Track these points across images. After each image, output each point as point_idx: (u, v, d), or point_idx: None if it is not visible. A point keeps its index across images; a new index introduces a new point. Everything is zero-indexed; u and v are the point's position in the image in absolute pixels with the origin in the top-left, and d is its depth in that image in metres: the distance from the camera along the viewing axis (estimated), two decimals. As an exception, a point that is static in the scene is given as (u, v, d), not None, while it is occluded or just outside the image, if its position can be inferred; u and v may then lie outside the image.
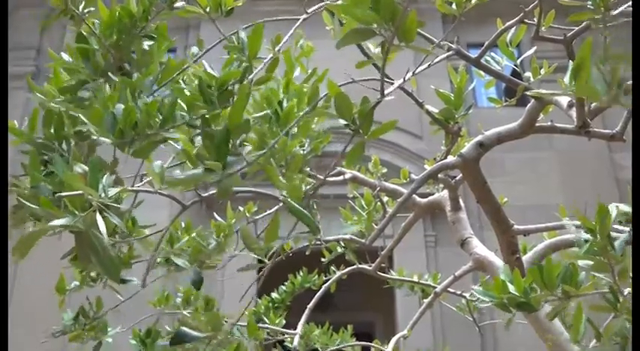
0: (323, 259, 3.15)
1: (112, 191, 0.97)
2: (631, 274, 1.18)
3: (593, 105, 1.67)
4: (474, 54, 1.87)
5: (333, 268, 3.29)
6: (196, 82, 1.14)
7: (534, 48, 2.04)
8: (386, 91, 1.38)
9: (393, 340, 2.69)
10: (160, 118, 1.06)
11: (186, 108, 1.11)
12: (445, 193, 2.69)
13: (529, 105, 1.91)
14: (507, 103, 2.16)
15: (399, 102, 2.38)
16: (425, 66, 1.53)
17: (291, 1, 8.08)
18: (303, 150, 1.32)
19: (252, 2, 9.44)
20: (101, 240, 0.94)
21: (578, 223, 1.24)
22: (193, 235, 2.09)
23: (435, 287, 2.98)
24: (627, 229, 1.24)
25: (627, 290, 1.25)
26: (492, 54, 1.96)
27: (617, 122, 1.67)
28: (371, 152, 3.21)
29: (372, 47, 1.74)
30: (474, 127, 2.94)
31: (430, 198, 2.84)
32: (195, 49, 1.32)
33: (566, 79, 1.16)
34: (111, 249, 0.98)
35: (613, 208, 1.19)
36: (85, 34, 1.25)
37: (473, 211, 4.71)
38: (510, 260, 2.09)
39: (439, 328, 8.55)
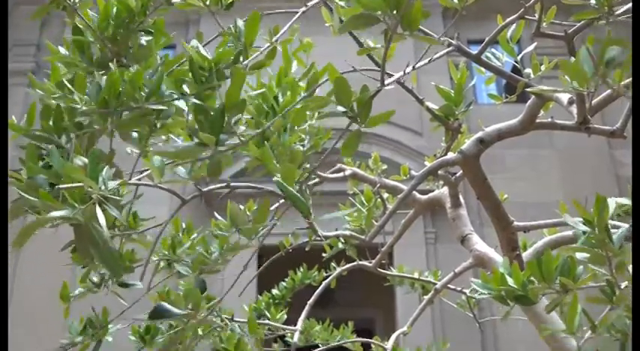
0: (324, 254, 3.15)
1: (112, 184, 0.96)
2: (630, 270, 1.18)
3: (595, 101, 1.67)
4: (474, 50, 1.87)
5: (333, 264, 3.29)
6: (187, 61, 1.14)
7: (534, 44, 2.03)
8: (385, 82, 1.38)
9: (393, 336, 2.70)
10: (146, 90, 1.05)
11: (173, 84, 1.10)
12: (445, 190, 2.69)
13: (529, 101, 1.91)
14: (507, 99, 2.16)
15: (399, 99, 2.39)
16: (425, 61, 1.53)
17: (291, -3, 8.07)
18: (303, 146, 1.32)
19: (253, -2, 9.42)
20: (101, 233, 0.94)
21: (578, 219, 1.24)
22: (194, 236, 2.09)
23: (435, 284, 2.98)
24: (626, 225, 1.24)
25: (624, 284, 1.25)
26: (493, 50, 1.96)
27: (617, 119, 1.67)
28: (371, 149, 3.21)
29: (372, 44, 1.74)
30: (474, 124, 2.94)
31: (430, 195, 2.84)
32: (194, 42, 1.32)
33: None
34: (111, 242, 0.98)
35: (611, 202, 1.19)
36: (80, 26, 1.24)
37: (473, 208, 4.71)
38: (510, 257, 2.09)
39: (439, 324, 8.56)
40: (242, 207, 2.53)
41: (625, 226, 1.21)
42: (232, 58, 1.18)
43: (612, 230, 1.20)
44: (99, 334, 2.23)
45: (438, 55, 1.57)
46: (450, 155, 2.03)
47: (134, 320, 2.48)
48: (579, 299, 1.31)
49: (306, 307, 2.77)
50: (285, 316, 3.17)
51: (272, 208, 2.43)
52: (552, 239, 2.31)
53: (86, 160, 0.98)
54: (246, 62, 1.25)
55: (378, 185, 2.70)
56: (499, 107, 2.46)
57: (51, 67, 1.25)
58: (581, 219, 1.21)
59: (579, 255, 1.22)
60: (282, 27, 1.54)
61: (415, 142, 9.71)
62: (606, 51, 0.93)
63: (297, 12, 1.61)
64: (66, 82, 1.13)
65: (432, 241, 9.35)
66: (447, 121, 2.08)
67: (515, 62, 1.99)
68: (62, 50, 1.27)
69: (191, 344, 2.42)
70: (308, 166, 1.79)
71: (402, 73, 1.51)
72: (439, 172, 2.39)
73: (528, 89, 1.60)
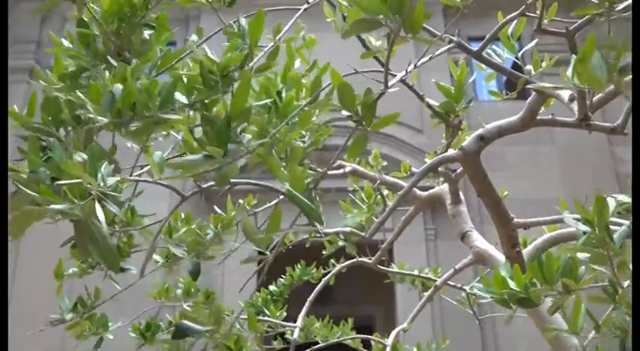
0: (324, 252, 3.15)
1: (111, 180, 0.96)
2: (631, 268, 1.18)
3: (595, 98, 1.67)
4: (474, 47, 1.86)
5: (332, 261, 3.29)
6: (195, 65, 1.13)
7: (535, 41, 2.03)
8: (388, 84, 1.38)
9: (393, 333, 2.70)
10: (159, 100, 1.05)
11: (186, 91, 1.10)
12: (445, 187, 2.69)
13: (530, 98, 1.90)
14: (508, 96, 2.16)
15: (400, 96, 2.38)
16: (426, 58, 1.53)
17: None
18: (304, 142, 1.31)
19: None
20: (100, 229, 0.94)
21: (578, 216, 1.24)
22: (193, 226, 2.09)
23: (435, 281, 2.98)
24: (627, 222, 1.24)
25: (626, 283, 1.25)
26: (494, 47, 1.96)
27: (617, 116, 1.67)
28: (371, 146, 3.20)
29: (374, 40, 1.73)
30: (474, 121, 2.93)
31: (430, 191, 2.84)
32: (194, 37, 1.31)
33: (569, 72, 1.16)
34: (110, 238, 0.98)
35: (611, 200, 1.19)
36: (85, 19, 1.24)
37: (473, 205, 4.72)
38: (510, 254, 2.09)
39: (439, 321, 8.57)
40: (241, 201, 2.53)
41: (625, 224, 1.20)
42: (240, 62, 1.18)
43: (613, 227, 1.20)
44: (93, 320, 2.24)
45: (439, 52, 1.57)
46: (451, 152, 2.03)
47: (135, 318, 2.48)
48: (581, 299, 1.31)
49: (306, 304, 2.77)
50: (285, 314, 3.17)
51: (272, 203, 2.43)
52: (552, 236, 2.31)
53: (86, 156, 0.98)
54: (251, 64, 1.25)
55: (378, 182, 2.70)
56: (499, 104, 2.46)
57: (54, 59, 1.25)
58: (581, 218, 1.20)
59: (580, 255, 1.22)
60: (284, 23, 1.54)
61: (415, 138, 9.71)
62: (621, 57, 0.92)
63: (299, 9, 1.60)
64: (70, 84, 1.14)
65: (432, 237, 9.35)
66: (447, 117, 2.08)
67: (516, 59, 1.99)
68: (65, 43, 1.27)
69: (191, 341, 2.42)
70: (309, 162, 1.78)
71: (404, 72, 1.51)
72: (439, 168, 2.39)
73: (529, 85, 1.59)
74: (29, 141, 1.05)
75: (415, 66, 1.46)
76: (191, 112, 1.14)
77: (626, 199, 1.32)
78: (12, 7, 10.66)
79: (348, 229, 2.89)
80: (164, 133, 1.41)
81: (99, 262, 2.07)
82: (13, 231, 0.97)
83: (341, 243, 3.10)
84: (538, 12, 1.79)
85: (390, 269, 3.33)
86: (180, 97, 1.08)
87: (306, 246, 2.95)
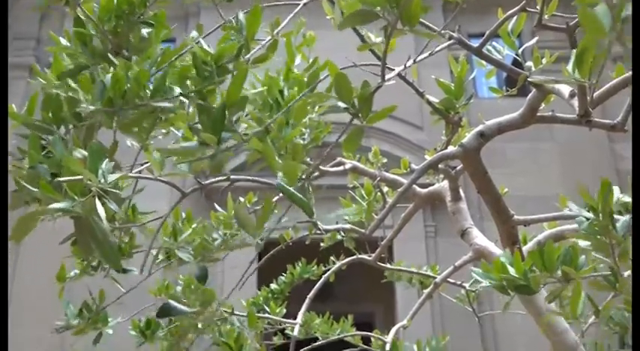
0: (322, 244, 3.14)
1: (112, 177, 0.96)
2: (631, 262, 1.18)
3: (596, 94, 1.67)
4: (475, 44, 1.86)
5: (332, 258, 3.29)
6: (190, 57, 1.13)
7: (536, 37, 2.03)
8: (386, 77, 1.37)
9: (393, 330, 2.70)
10: (151, 88, 1.05)
11: (178, 81, 1.10)
12: (445, 184, 2.68)
13: (530, 95, 1.90)
14: (508, 92, 2.15)
15: (400, 92, 2.38)
16: (426, 54, 1.52)
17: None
18: (303, 139, 1.31)
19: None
20: (101, 226, 0.94)
21: (580, 208, 1.23)
22: (194, 225, 2.09)
23: (434, 278, 2.98)
24: (627, 217, 1.24)
25: (627, 273, 1.24)
26: (494, 43, 1.96)
27: (617, 113, 1.66)
28: (371, 142, 3.20)
29: (373, 37, 1.73)
30: (474, 118, 2.93)
31: (430, 188, 2.84)
32: (194, 33, 1.31)
33: (569, 67, 1.16)
34: (110, 235, 0.98)
35: (616, 189, 1.19)
36: (82, 18, 1.24)
37: (473, 202, 4.71)
38: (510, 250, 2.09)
39: (439, 318, 8.58)
40: (242, 199, 2.53)
41: (627, 216, 1.20)
42: (235, 52, 1.18)
43: (616, 216, 1.19)
44: (96, 320, 2.24)
45: (439, 48, 1.57)
46: (451, 149, 2.03)
47: (135, 314, 2.48)
48: (581, 287, 1.31)
49: (306, 301, 2.77)
50: (285, 310, 3.17)
51: (272, 201, 2.43)
52: (553, 233, 2.31)
53: (86, 153, 0.98)
54: (248, 56, 1.25)
55: (378, 179, 2.70)
56: (500, 101, 2.46)
57: (53, 57, 1.24)
58: (585, 204, 1.20)
59: (582, 242, 1.21)
60: (284, 18, 1.54)
61: (415, 135, 9.70)
62: (623, 8, 0.92)
63: (299, 4, 1.60)
64: (69, 82, 1.13)
65: (432, 234, 9.36)
66: (447, 114, 2.07)
67: (517, 55, 1.99)
68: (63, 41, 1.27)
69: (191, 338, 2.42)
70: (309, 159, 1.78)
71: (402, 67, 1.50)
72: (439, 165, 2.38)
73: (530, 79, 1.59)
74: (30, 137, 1.05)
75: (414, 61, 1.46)
76: (190, 109, 1.14)
77: (626, 199, 1.32)
78: (12, 4, 10.64)
79: (348, 226, 2.89)
80: (164, 130, 1.41)
81: (100, 263, 2.07)
82: (14, 235, 0.97)
83: (340, 237, 3.10)
84: (538, 7, 1.79)
85: (389, 266, 3.33)
86: (174, 86, 1.08)
87: (306, 243, 2.95)
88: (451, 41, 1.69)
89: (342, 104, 1.26)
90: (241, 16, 1.27)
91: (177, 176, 1.34)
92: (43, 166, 0.99)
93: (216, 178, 1.80)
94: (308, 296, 2.81)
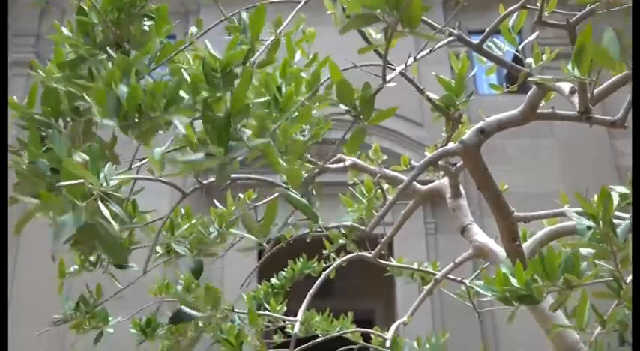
0: (325, 251, 3.16)
1: (114, 181, 0.96)
2: (631, 261, 1.18)
3: (596, 91, 1.67)
4: (475, 41, 1.86)
5: (333, 255, 3.29)
6: (198, 63, 1.13)
7: (536, 33, 2.02)
8: (387, 77, 1.37)
9: (393, 326, 2.71)
10: (164, 100, 1.05)
11: (190, 90, 1.09)
12: (445, 181, 2.68)
13: (530, 91, 1.90)
14: (509, 89, 2.15)
15: (400, 89, 2.38)
16: (426, 52, 1.52)
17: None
18: (304, 136, 1.31)
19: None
20: (107, 228, 0.93)
21: (579, 209, 1.23)
22: (194, 221, 2.09)
23: (434, 274, 2.98)
24: (627, 216, 1.24)
25: (629, 278, 1.24)
26: (494, 40, 1.95)
27: (617, 109, 1.66)
28: (371, 140, 3.18)
29: (374, 33, 1.73)
30: (474, 114, 2.93)
31: (430, 185, 2.84)
32: (194, 29, 1.31)
33: (569, 64, 1.15)
34: (118, 236, 0.97)
35: (615, 195, 1.18)
36: (85, 8, 1.23)
37: (473, 199, 4.71)
38: (510, 247, 2.09)
39: (439, 314, 8.59)
40: (241, 195, 2.53)
41: (627, 218, 1.20)
42: (242, 59, 1.17)
43: (615, 221, 1.19)
44: (95, 316, 2.24)
45: (439, 45, 1.57)
46: (451, 146, 2.03)
47: (136, 313, 2.48)
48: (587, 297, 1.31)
49: (307, 298, 2.77)
50: (285, 308, 3.17)
51: (272, 197, 2.43)
52: (552, 230, 2.31)
53: (86, 157, 0.97)
54: (252, 59, 1.24)
55: (379, 176, 2.70)
56: (500, 98, 2.46)
57: (54, 47, 1.24)
58: (585, 213, 1.20)
59: (583, 250, 1.21)
60: (285, 16, 1.53)
61: (415, 132, 9.70)
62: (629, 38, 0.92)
63: (300, 1, 1.60)
64: (69, 75, 1.13)
65: (432, 231, 9.36)
66: (447, 111, 2.07)
67: (517, 52, 1.98)
68: (65, 31, 1.26)
69: (192, 336, 2.43)
70: (309, 156, 1.78)
71: (403, 66, 1.50)
72: (439, 162, 2.38)
73: (530, 78, 1.59)
74: (29, 133, 1.05)
75: (415, 59, 1.45)
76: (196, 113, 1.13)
77: (625, 190, 1.32)
78: (11, 2, 10.63)
79: (348, 223, 2.89)
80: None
81: (99, 258, 2.07)
82: (16, 226, 0.97)
83: (342, 240, 3.11)
84: (538, 4, 1.79)
85: (389, 263, 3.33)
86: (185, 96, 1.08)
87: (307, 240, 2.95)
88: (451, 38, 1.69)
89: (343, 106, 1.26)
90: (244, 15, 1.27)
91: (177, 176, 1.33)
92: (43, 162, 0.99)
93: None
94: (308, 293, 2.81)
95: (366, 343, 3.31)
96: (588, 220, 1.19)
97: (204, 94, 1.09)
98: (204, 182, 1.67)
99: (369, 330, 3.28)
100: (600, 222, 1.17)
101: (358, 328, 3.34)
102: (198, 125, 1.11)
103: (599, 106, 1.82)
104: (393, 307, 9.31)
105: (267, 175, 1.59)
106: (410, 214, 2.83)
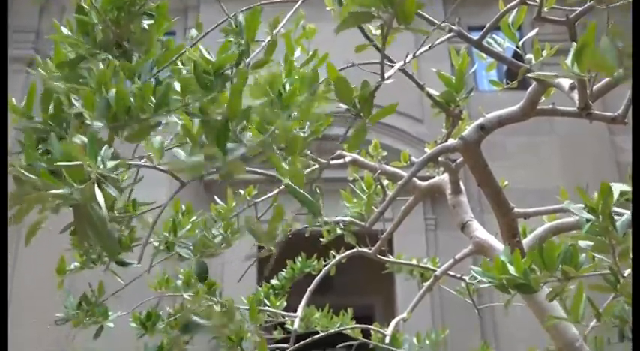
0: (322, 239, 3.15)
1: (111, 163, 0.96)
2: (631, 256, 1.18)
3: (596, 87, 1.67)
4: (475, 37, 1.85)
5: (332, 251, 3.29)
6: (191, 66, 1.13)
7: (536, 29, 2.02)
8: (386, 74, 1.37)
9: (393, 322, 2.71)
10: (154, 102, 1.05)
11: (181, 93, 1.10)
12: (445, 177, 2.68)
13: (530, 88, 1.90)
14: (509, 85, 2.15)
15: (400, 86, 2.37)
16: (426, 48, 1.52)
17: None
18: (304, 133, 1.31)
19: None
20: (100, 214, 0.94)
21: (580, 205, 1.24)
22: (194, 218, 2.09)
23: (434, 270, 2.99)
24: (628, 211, 1.24)
25: (627, 271, 1.25)
26: (494, 36, 1.95)
27: (617, 105, 1.66)
28: (371, 136, 3.17)
29: (373, 29, 1.73)
30: (474, 111, 2.93)
31: (430, 181, 2.84)
32: (194, 32, 1.31)
33: (569, 60, 1.15)
34: (109, 224, 0.98)
35: (615, 189, 1.19)
36: (85, 7, 1.23)
37: (473, 195, 4.72)
38: (510, 243, 2.09)
39: (439, 311, 8.60)
40: (241, 192, 2.53)
41: (627, 213, 1.20)
42: (235, 61, 1.18)
43: (615, 217, 1.19)
44: (95, 312, 2.25)
45: (439, 41, 1.57)
46: (451, 142, 2.03)
47: (136, 307, 2.48)
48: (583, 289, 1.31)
49: (307, 294, 2.78)
50: (285, 304, 3.18)
51: (272, 193, 2.43)
52: (553, 226, 2.31)
53: (85, 139, 0.98)
54: (248, 60, 1.25)
55: (379, 172, 2.70)
56: (500, 94, 2.45)
57: (54, 47, 1.24)
58: (585, 206, 1.20)
59: (582, 243, 1.22)
60: (285, 12, 1.53)
61: (415, 128, 9.70)
62: (628, 45, 0.92)
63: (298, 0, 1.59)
64: (69, 74, 1.13)
65: (432, 227, 9.36)
66: (447, 107, 2.07)
67: (517, 48, 1.98)
68: (65, 31, 1.26)
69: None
70: (309, 153, 1.78)
71: (402, 62, 1.50)
72: (439, 158, 2.38)
73: (530, 75, 1.59)
74: (26, 135, 1.05)
75: (414, 56, 1.45)
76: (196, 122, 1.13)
77: (626, 188, 1.32)
78: (11, -2, 10.62)
79: (348, 218, 2.89)
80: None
81: (100, 255, 2.07)
82: (15, 216, 0.97)
83: (340, 231, 3.10)
84: (538, 0, 1.78)
85: (389, 259, 3.34)
86: (176, 99, 1.08)
87: (306, 235, 2.95)
88: (451, 34, 1.69)
89: (343, 105, 1.26)
90: (241, 17, 1.27)
91: (180, 172, 1.34)
92: (40, 164, 0.99)
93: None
94: (308, 289, 2.81)
95: (365, 340, 3.32)
96: (588, 213, 1.19)
97: (196, 96, 1.09)
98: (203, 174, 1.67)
99: (369, 326, 3.28)
100: (600, 215, 1.18)
101: (358, 325, 3.34)
102: (197, 120, 1.12)
103: (599, 102, 1.82)
104: (392, 303, 9.32)
105: (267, 169, 1.59)
106: (410, 211, 2.84)
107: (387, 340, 2.71)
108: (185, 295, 2.43)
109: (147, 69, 1.15)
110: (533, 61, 1.89)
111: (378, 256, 3.00)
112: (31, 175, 0.93)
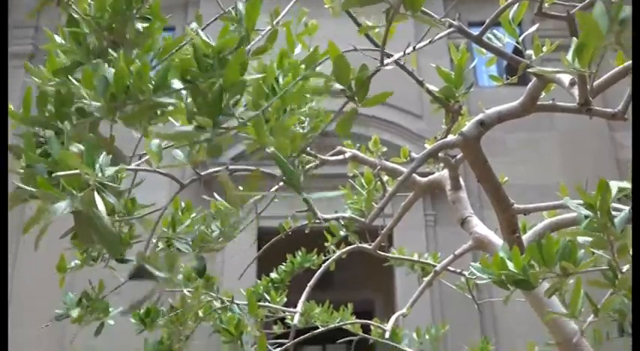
0: (326, 244, 3.16)
1: (109, 170, 0.96)
2: (631, 252, 1.18)
3: (596, 83, 1.66)
4: (475, 32, 1.85)
5: (332, 247, 3.29)
6: (191, 49, 1.13)
7: (537, 25, 2.02)
8: (385, 61, 1.37)
9: (393, 318, 2.71)
10: (153, 83, 1.04)
11: (180, 75, 1.09)
12: (445, 172, 2.68)
13: (530, 83, 1.90)
14: (509, 81, 2.15)
15: (400, 81, 2.38)
16: (426, 42, 1.52)
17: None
18: (303, 128, 1.31)
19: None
20: (101, 218, 0.94)
21: (579, 201, 1.24)
22: (193, 215, 2.09)
23: (434, 266, 2.99)
24: (627, 207, 1.24)
25: (626, 267, 1.25)
26: (494, 31, 1.95)
27: (618, 101, 1.66)
28: (371, 131, 3.19)
29: (371, 24, 1.72)
30: (474, 106, 2.93)
31: (430, 177, 2.84)
32: (194, 25, 1.30)
33: (569, 56, 1.15)
34: (111, 227, 0.97)
35: (614, 185, 1.19)
36: (76, 17, 1.23)
37: (473, 191, 4.71)
38: (510, 239, 2.09)
39: (438, 306, 8.62)
40: (241, 188, 2.53)
41: (626, 209, 1.20)
42: (235, 45, 1.17)
43: (613, 213, 1.20)
44: (95, 309, 2.25)
45: (439, 36, 1.56)
46: (451, 137, 2.02)
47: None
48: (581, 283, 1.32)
49: (307, 289, 2.78)
50: (285, 299, 3.18)
51: (271, 190, 2.43)
52: (552, 222, 2.31)
53: (82, 147, 0.97)
54: (248, 47, 1.24)
55: (378, 168, 2.70)
56: (500, 90, 2.45)
57: (48, 55, 1.24)
58: (583, 202, 1.20)
59: (581, 239, 1.22)
60: (283, 6, 1.53)
61: (415, 124, 9.70)
62: (621, 10, 0.91)
63: (298, -7, 1.59)
64: (66, 78, 1.12)
65: (432, 223, 9.37)
66: (447, 103, 2.07)
67: (517, 43, 1.98)
68: (58, 39, 1.26)
69: (192, 326, 2.43)
70: (309, 149, 1.77)
71: (401, 53, 1.50)
72: (439, 154, 2.38)
73: (530, 70, 1.59)
74: (24, 137, 1.05)
75: (414, 49, 1.45)
76: (189, 99, 1.13)
77: (627, 184, 1.32)
78: (10, -6, 10.59)
79: (347, 214, 2.89)
80: (161, 124, 1.41)
81: (100, 254, 2.07)
82: (24, 228, 0.97)
83: (342, 233, 3.11)
84: (539, -5, 1.78)
85: (389, 255, 3.34)
86: (175, 80, 1.07)
87: (306, 232, 2.95)
88: (451, 29, 1.68)
89: (338, 86, 1.25)
90: (240, 6, 1.26)
91: (175, 167, 1.34)
92: (40, 166, 0.99)
93: (215, 169, 1.80)
94: (308, 285, 2.82)
95: (365, 335, 3.32)
96: (586, 209, 1.20)
97: (195, 77, 1.08)
98: (203, 173, 1.67)
99: (369, 321, 3.29)
100: (598, 212, 1.18)
101: (358, 320, 3.35)
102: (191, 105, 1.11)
103: (599, 98, 1.81)
104: (392, 298, 9.34)
105: (267, 167, 1.59)
106: (410, 206, 2.84)
107: (387, 335, 2.71)
108: (185, 291, 2.43)
109: (147, 61, 1.14)
110: (534, 57, 1.89)
111: (378, 251, 3.00)
112: (30, 177, 0.93)
